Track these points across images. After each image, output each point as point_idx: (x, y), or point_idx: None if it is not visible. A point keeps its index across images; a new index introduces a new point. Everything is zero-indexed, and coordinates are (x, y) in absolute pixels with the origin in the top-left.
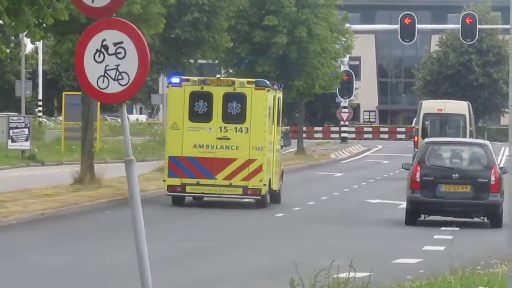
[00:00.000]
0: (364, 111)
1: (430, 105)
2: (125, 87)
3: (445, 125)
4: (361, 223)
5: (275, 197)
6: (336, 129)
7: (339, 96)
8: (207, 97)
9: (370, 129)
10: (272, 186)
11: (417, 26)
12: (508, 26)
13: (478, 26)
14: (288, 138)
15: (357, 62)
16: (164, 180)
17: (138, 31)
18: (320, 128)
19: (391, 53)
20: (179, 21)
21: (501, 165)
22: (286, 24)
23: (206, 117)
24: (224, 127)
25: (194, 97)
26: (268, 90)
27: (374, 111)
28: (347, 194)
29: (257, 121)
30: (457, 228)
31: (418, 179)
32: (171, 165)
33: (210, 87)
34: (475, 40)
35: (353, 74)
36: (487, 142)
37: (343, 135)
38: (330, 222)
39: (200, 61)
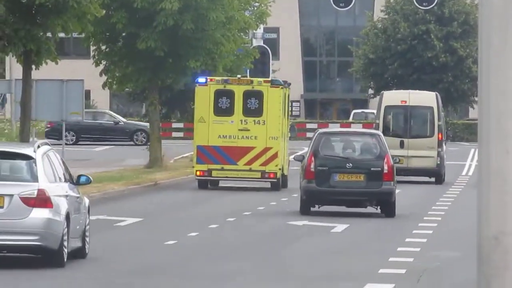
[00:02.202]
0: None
1: (392, 97)
2: None
3: (410, 119)
4: (284, 256)
5: (284, 181)
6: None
7: None
8: (229, 94)
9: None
10: (284, 171)
11: None
12: None
13: None
14: (294, 130)
15: (274, 35)
16: (193, 167)
17: None
18: None
19: (320, 22)
20: None
21: (438, 162)
22: None
23: (228, 111)
24: (244, 120)
25: (218, 94)
26: (282, 88)
27: (298, 101)
28: (262, 213)
29: (272, 114)
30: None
31: (313, 169)
32: (199, 153)
33: (231, 85)
34: (434, 3)
35: (269, 52)
36: (379, 132)
37: None
38: (238, 257)
39: (61, 34)
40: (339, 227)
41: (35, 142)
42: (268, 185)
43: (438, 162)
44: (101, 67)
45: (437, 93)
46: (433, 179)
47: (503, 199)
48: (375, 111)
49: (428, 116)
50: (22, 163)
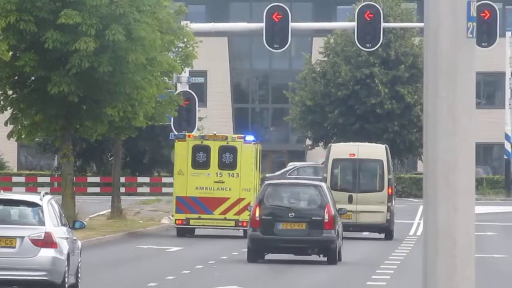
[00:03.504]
0: None
1: (340, 149)
2: None
3: (359, 173)
4: None
5: None
6: (171, 180)
7: (174, 131)
8: (206, 149)
9: None
10: None
11: (292, 24)
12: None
13: (383, 24)
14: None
15: (201, 80)
16: (172, 215)
17: None
18: (146, 179)
19: (252, 65)
20: None
21: (388, 218)
22: (93, 21)
23: (205, 165)
24: (220, 173)
25: (196, 149)
26: (254, 144)
27: None
28: (187, 279)
29: (245, 168)
30: None
31: (258, 218)
32: (178, 203)
33: (208, 141)
34: (378, 45)
35: (196, 98)
36: (322, 183)
37: None
38: None
39: None
40: None
41: (40, 192)
42: (241, 233)
43: (388, 217)
44: (7, 115)
45: (386, 145)
46: (382, 235)
47: (452, 263)
48: (313, 164)
49: (378, 170)
50: (31, 210)
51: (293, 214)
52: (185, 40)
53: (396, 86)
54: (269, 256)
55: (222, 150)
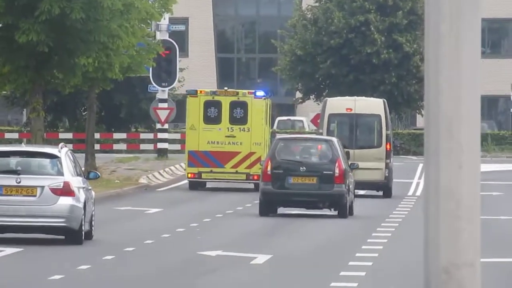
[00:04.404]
0: None
1: (336, 104)
2: None
3: (356, 129)
4: None
5: None
6: (150, 136)
7: (153, 83)
8: (217, 105)
9: None
10: None
11: None
12: None
13: None
14: (275, 136)
15: (182, 27)
16: (185, 169)
17: None
18: (123, 135)
19: (238, 11)
20: None
21: (387, 175)
22: None
23: (216, 120)
24: (231, 128)
25: (207, 104)
26: (264, 99)
27: None
28: (168, 242)
29: (256, 122)
30: None
31: (269, 172)
32: (190, 157)
33: (219, 96)
34: None
35: (177, 47)
36: (333, 138)
37: (160, 145)
38: None
39: None
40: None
41: (59, 144)
42: (252, 186)
43: (387, 175)
44: None
45: (384, 100)
46: (380, 193)
47: (456, 225)
48: (303, 119)
49: (376, 125)
50: (50, 161)
51: (304, 168)
52: None
53: (393, 34)
54: (280, 210)
55: (233, 105)
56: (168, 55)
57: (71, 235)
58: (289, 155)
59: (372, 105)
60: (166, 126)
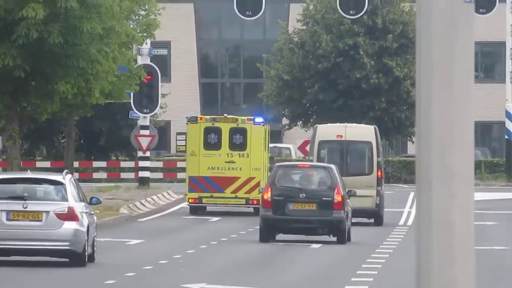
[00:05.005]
0: (178, 133)
1: (327, 131)
2: None
3: (347, 156)
4: None
5: None
6: (131, 164)
7: (134, 109)
8: (217, 131)
9: None
10: None
11: None
12: None
13: None
14: (273, 161)
15: (164, 51)
16: (185, 195)
17: None
18: (103, 164)
19: (222, 35)
20: None
21: (378, 202)
22: None
23: (216, 146)
24: (230, 153)
25: (207, 131)
26: (263, 125)
27: None
28: (149, 274)
29: (255, 148)
30: None
31: (270, 199)
32: (191, 183)
33: (219, 123)
34: (363, 11)
35: (158, 72)
36: (332, 166)
37: (142, 174)
38: None
39: None
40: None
41: (63, 171)
42: (252, 210)
43: (378, 202)
44: None
45: (375, 126)
46: (371, 220)
47: (449, 255)
48: (290, 146)
49: (367, 152)
50: (55, 187)
51: (304, 195)
52: (146, 7)
53: (383, 58)
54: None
55: (233, 131)
56: (150, 80)
57: (75, 258)
58: (288, 182)
59: (363, 132)
60: (147, 154)
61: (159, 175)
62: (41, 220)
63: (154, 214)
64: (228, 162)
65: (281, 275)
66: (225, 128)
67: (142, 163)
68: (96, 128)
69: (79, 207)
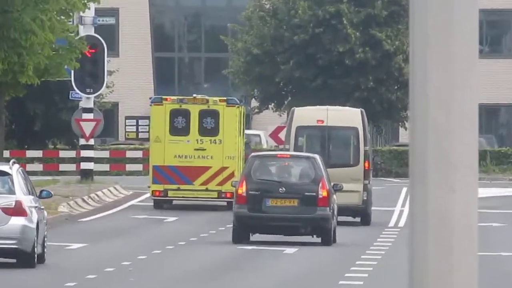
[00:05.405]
0: (128, 117)
1: (305, 114)
2: None
3: (329, 144)
4: None
5: None
6: (72, 154)
7: (76, 89)
8: (185, 114)
9: (139, 153)
10: None
11: None
12: None
13: None
14: (249, 148)
15: (112, 20)
16: (149, 186)
17: None
18: (38, 153)
19: (179, 1)
20: None
21: (365, 198)
22: None
23: (184, 131)
24: (200, 139)
25: (174, 114)
26: (238, 107)
27: (148, 117)
28: (93, 284)
29: (228, 134)
30: None
31: (244, 194)
32: (155, 173)
33: (187, 105)
34: None
35: (104, 45)
36: (316, 156)
37: (84, 165)
38: None
39: None
40: None
41: (10, 161)
42: (225, 203)
43: (365, 198)
44: None
45: (362, 109)
46: (357, 219)
47: (448, 260)
48: (261, 133)
49: (352, 140)
50: (1, 179)
51: (283, 189)
52: None
53: (370, 29)
54: (255, 237)
55: (203, 114)
56: (94, 54)
57: (23, 258)
58: (266, 175)
59: (347, 116)
60: (91, 142)
61: (105, 167)
62: None
63: (99, 213)
64: (198, 149)
65: (253, 282)
66: (194, 110)
67: (84, 153)
68: (30, 111)
69: (28, 201)
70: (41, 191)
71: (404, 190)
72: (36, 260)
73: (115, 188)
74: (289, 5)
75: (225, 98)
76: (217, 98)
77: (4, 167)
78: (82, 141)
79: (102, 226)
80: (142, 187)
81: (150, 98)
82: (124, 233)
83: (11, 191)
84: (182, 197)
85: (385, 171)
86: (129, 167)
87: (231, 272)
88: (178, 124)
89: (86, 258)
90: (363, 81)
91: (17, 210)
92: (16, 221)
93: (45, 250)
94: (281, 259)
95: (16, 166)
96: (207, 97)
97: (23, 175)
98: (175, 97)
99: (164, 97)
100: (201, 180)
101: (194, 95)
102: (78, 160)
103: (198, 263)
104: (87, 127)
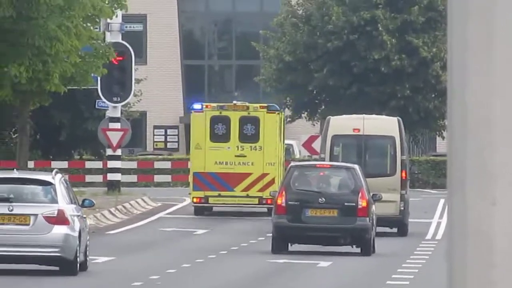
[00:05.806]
0: (156, 126)
1: (341, 123)
2: None
3: (365, 153)
4: None
5: None
6: (99, 164)
7: (102, 97)
8: (225, 121)
9: (168, 164)
10: None
11: None
12: None
13: None
14: (289, 154)
15: (140, 27)
16: (189, 193)
17: None
18: (64, 164)
19: (209, 7)
20: None
21: (402, 208)
22: None
23: (225, 137)
24: (241, 146)
25: (214, 120)
26: (278, 114)
27: (177, 126)
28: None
29: (269, 140)
30: None
31: (284, 204)
32: (196, 180)
33: (227, 111)
34: None
35: (132, 52)
36: (355, 166)
37: (111, 176)
38: None
39: None
40: None
41: (53, 170)
42: (265, 210)
43: (402, 208)
44: None
45: (399, 118)
46: (394, 230)
47: (488, 276)
48: (293, 142)
49: (389, 149)
50: (43, 188)
51: (323, 199)
52: None
53: (407, 35)
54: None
55: (243, 121)
56: (121, 62)
57: (66, 265)
58: (305, 185)
59: (384, 125)
60: (118, 152)
61: (133, 178)
62: (28, 224)
63: (126, 225)
64: (238, 156)
65: None
66: (235, 117)
67: (111, 164)
68: (56, 120)
69: (70, 210)
70: (83, 200)
71: (442, 201)
72: (78, 267)
73: (143, 199)
74: (322, 11)
75: (265, 105)
76: (257, 105)
77: (47, 177)
78: (109, 152)
79: (130, 239)
80: (171, 199)
81: (190, 107)
82: (152, 246)
83: (54, 200)
84: (223, 203)
85: (422, 182)
86: (158, 178)
87: (260, 287)
88: (219, 131)
89: (113, 272)
90: (400, 89)
91: (60, 218)
92: (59, 230)
93: (88, 258)
94: (314, 272)
95: (59, 175)
96: (247, 104)
97: (66, 185)
98: (215, 104)
99: (204, 104)
100: (242, 186)
101: (235, 101)
102: (105, 171)
103: (225, 277)
104: (114, 137)
